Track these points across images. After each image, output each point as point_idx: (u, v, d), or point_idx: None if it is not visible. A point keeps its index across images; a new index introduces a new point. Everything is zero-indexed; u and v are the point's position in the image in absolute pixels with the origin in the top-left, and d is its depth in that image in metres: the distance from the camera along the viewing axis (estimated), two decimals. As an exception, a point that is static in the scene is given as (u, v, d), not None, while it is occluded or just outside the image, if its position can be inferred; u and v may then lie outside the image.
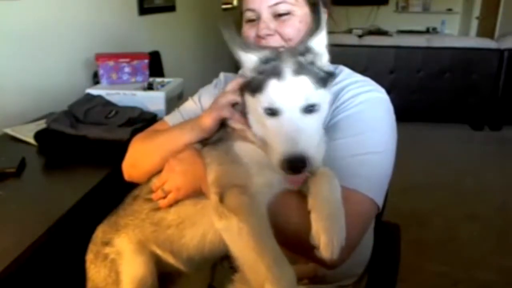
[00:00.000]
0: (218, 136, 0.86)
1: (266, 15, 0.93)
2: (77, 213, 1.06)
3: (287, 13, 0.92)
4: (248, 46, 0.80)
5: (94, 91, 1.78)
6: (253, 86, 0.76)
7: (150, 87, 1.88)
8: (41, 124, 1.52)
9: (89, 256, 0.93)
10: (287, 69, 0.73)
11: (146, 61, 2.00)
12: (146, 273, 0.86)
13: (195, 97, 1.11)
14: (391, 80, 4.13)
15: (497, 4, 5.92)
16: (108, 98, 1.74)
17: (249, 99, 0.79)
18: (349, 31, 6.36)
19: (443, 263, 2.15)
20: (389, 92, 0.96)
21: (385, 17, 7.39)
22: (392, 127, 0.92)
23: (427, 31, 7.20)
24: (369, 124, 0.88)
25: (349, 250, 0.74)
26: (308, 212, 0.72)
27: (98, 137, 1.46)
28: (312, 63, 0.77)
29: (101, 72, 1.92)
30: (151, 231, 0.89)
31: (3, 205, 1.06)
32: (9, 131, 1.52)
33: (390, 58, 4.16)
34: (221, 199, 0.73)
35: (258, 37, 0.94)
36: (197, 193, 0.83)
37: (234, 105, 0.85)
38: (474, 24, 6.73)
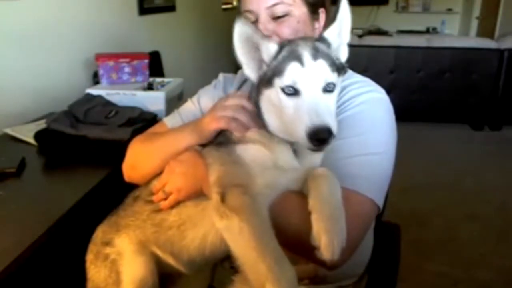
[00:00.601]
0: (219, 140, 0.86)
1: (264, 16, 0.93)
2: (77, 213, 1.06)
3: (285, 14, 0.92)
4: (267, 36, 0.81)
5: (94, 91, 1.78)
6: (271, 73, 0.76)
7: (150, 87, 1.89)
8: (41, 124, 1.52)
9: (89, 256, 0.93)
10: (306, 52, 0.75)
11: (146, 61, 2.01)
12: (147, 273, 0.86)
13: (194, 98, 1.11)
14: (391, 80, 4.13)
15: (497, 4, 5.92)
16: (108, 98, 1.74)
17: (264, 92, 0.78)
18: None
19: (443, 263, 2.15)
20: (389, 92, 0.96)
21: (385, 17, 7.39)
22: (392, 128, 0.92)
23: (427, 31, 7.19)
24: (369, 125, 0.88)
25: (349, 251, 0.74)
26: (309, 213, 0.72)
27: (98, 137, 1.46)
28: (327, 49, 0.78)
29: (101, 72, 1.92)
30: (152, 232, 0.89)
31: (3, 205, 1.07)
32: (9, 131, 1.52)
33: (390, 58, 4.16)
34: (223, 199, 0.73)
35: None
36: (198, 194, 0.83)
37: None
38: (474, 24, 6.72)
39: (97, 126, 1.51)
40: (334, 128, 0.69)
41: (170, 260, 0.89)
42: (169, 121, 1.08)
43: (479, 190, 2.96)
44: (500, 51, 4.02)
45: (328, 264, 0.68)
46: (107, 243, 0.91)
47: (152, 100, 1.76)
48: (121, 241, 0.90)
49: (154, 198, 0.89)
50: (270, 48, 0.78)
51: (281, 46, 0.78)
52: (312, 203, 0.73)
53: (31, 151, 1.41)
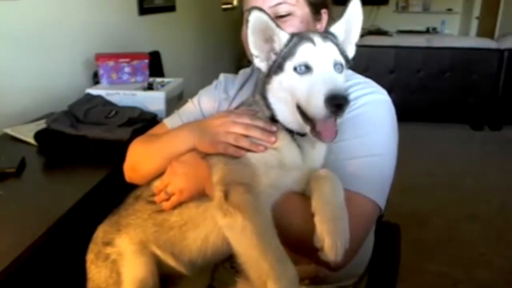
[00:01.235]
0: None
1: None
2: (77, 213, 1.06)
3: (288, 14, 0.92)
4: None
5: (94, 91, 1.78)
6: (282, 59, 0.78)
7: (150, 87, 1.88)
8: (41, 124, 1.52)
9: (90, 256, 0.93)
10: (316, 35, 0.77)
11: (146, 61, 2.01)
12: (147, 274, 0.86)
13: (195, 99, 1.11)
14: (391, 80, 4.13)
15: (497, 4, 5.92)
16: (108, 98, 1.74)
17: (274, 79, 0.79)
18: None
19: (443, 263, 2.15)
20: (389, 92, 0.96)
21: (385, 17, 7.39)
22: (393, 129, 0.92)
23: (427, 31, 7.20)
24: (371, 127, 0.88)
25: (352, 252, 0.74)
26: (311, 214, 0.72)
27: (98, 137, 1.46)
28: (334, 39, 0.80)
29: (101, 72, 1.92)
30: (152, 231, 0.89)
31: (3, 205, 1.06)
32: (9, 131, 1.52)
33: (390, 58, 4.16)
34: (226, 197, 0.73)
35: None
36: (200, 195, 0.83)
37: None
38: (474, 24, 6.73)
39: (97, 126, 1.51)
40: (349, 97, 0.70)
41: (170, 261, 0.89)
42: (169, 122, 1.07)
43: (479, 190, 2.96)
44: (500, 51, 4.02)
45: (332, 265, 0.68)
46: (108, 243, 0.91)
47: (152, 100, 1.76)
48: (121, 241, 0.90)
49: (156, 199, 0.89)
50: (282, 37, 0.79)
51: (292, 35, 0.79)
52: (315, 204, 0.73)
53: (31, 151, 1.41)
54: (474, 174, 3.22)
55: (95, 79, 2.05)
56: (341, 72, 0.77)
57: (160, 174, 0.90)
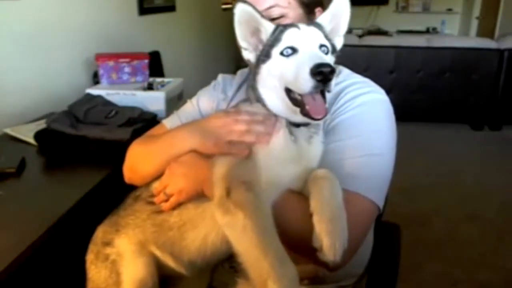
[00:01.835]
0: None
1: None
2: (77, 213, 1.06)
3: (281, 16, 0.93)
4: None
5: (94, 91, 1.78)
6: (269, 47, 0.80)
7: (150, 87, 1.88)
8: (41, 124, 1.52)
9: (90, 256, 0.93)
10: (300, 23, 0.81)
11: (146, 61, 2.00)
12: (147, 274, 0.86)
13: (194, 99, 1.11)
14: (391, 80, 4.13)
15: (497, 4, 5.92)
16: (108, 98, 1.74)
17: (262, 68, 0.81)
18: (349, 31, 6.34)
19: (443, 263, 2.15)
20: (389, 92, 0.96)
21: (385, 17, 7.39)
22: (392, 129, 0.92)
23: (427, 31, 7.19)
24: (369, 126, 0.88)
25: (351, 252, 0.74)
26: (310, 215, 0.72)
27: (98, 137, 1.46)
28: (319, 27, 0.82)
29: (101, 72, 1.92)
30: (151, 231, 0.89)
31: (3, 205, 1.06)
32: (9, 131, 1.52)
33: (390, 58, 4.15)
34: (227, 195, 0.73)
35: None
36: (200, 196, 0.83)
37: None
38: (474, 24, 6.72)
39: (97, 126, 1.51)
40: (334, 68, 0.71)
41: (170, 261, 0.89)
42: (168, 122, 1.08)
43: (479, 190, 2.96)
44: (500, 51, 4.02)
45: (331, 265, 0.68)
46: (108, 243, 0.91)
47: (152, 100, 1.75)
48: (121, 242, 0.90)
49: (156, 199, 0.89)
50: (268, 28, 0.81)
51: (277, 26, 0.82)
52: (314, 204, 0.73)
53: (31, 151, 1.41)
54: (474, 174, 3.22)
55: (95, 79, 2.05)
56: (327, 53, 0.79)
57: (159, 176, 0.90)
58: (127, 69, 1.95)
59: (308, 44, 0.77)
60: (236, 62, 5.31)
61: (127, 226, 0.91)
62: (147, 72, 2.00)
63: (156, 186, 0.90)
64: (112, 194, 1.02)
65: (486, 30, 6.06)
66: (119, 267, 0.87)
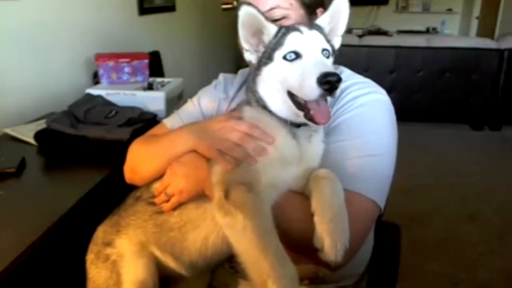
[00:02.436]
0: None
1: None
2: (77, 213, 1.06)
3: (283, 18, 0.93)
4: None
5: (94, 91, 1.77)
6: (271, 50, 0.80)
7: (150, 87, 1.88)
8: (41, 124, 1.52)
9: (90, 257, 0.93)
10: (302, 25, 0.81)
11: (146, 61, 2.00)
12: (148, 275, 0.86)
13: (194, 99, 1.11)
14: (391, 80, 4.13)
15: (497, 4, 5.92)
16: (108, 98, 1.74)
17: (263, 70, 0.81)
18: (349, 31, 6.36)
19: (443, 263, 2.15)
20: (389, 92, 0.96)
21: (385, 17, 7.39)
22: (392, 129, 0.92)
23: (427, 31, 7.19)
24: (370, 127, 0.88)
25: (352, 252, 0.74)
26: (311, 215, 0.72)
27: (98, 137, 1.45)
28: (320, 30, 0.82)
29: (101, 72, 1.92)
30: (152, 232, 0.89)
31: (3, 205, 1.06)
32: (9, 131, 1.52)
33: (390, 58, 4.15)
34: (227, 196, 0.73)
35: None
36: (200, 196, 0.83)
37: None
38: (474, 24, 6.73)
39: (97, 126, 1.51)
40: (341, 77, 0.71)
41: (170, 262, 0.89)
42: (169, 122, 1.07)
43: (479, 190, 2.96)
44: (500, 51, 4.02)
45: (332, 265, 0.68)
46: (108, 244, 0.91)
47: (152, 100, 1.75)
48: (121, 242, 0.90)
49: (157, 200, 0.89)
50: (271, 30, 0.81)
51: (280, 28, 0.82)
52: (315, 204, 0.73)
53: (31, 151, 1.40)
54: (474, 174, 3.22)
55: (95, 79, 2.05)
56: (328, 57, 0.79)
57: (160, 176, 0.90)
58: (127, 69, 1.95)
59: (312, 49, 0.77)
60: (236, 62, 5.31)
61: (128, 227, 0.91)
62: (147, 72, 2.00)
63: (157, 186, 0.90)
64: (112, 194, 1.02)
65: (486, 30, 6.06)
66: (119, 268, 0.87)
